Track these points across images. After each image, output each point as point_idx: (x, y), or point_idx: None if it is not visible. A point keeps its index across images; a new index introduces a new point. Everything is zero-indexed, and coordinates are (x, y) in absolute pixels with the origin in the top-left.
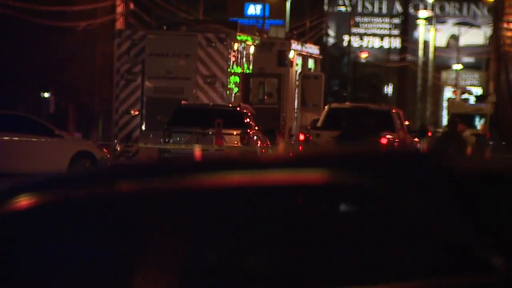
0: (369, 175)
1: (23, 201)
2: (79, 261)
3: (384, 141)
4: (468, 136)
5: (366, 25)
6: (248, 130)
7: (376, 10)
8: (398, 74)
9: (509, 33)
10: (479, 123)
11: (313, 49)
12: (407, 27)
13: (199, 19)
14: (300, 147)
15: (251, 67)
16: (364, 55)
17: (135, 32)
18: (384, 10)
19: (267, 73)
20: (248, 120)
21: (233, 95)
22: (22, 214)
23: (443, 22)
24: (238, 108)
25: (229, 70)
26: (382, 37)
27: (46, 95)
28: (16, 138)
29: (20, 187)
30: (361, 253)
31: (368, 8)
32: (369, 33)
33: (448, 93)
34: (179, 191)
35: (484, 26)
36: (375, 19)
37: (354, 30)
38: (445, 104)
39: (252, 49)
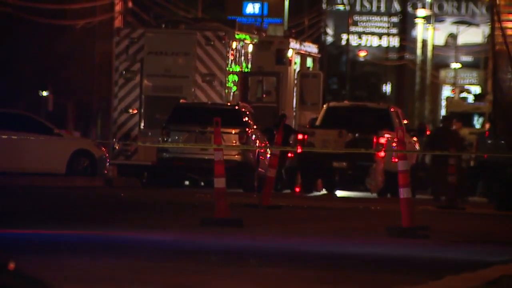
0: None
1: None
2: None
3: (382, 140)
4: (467, 135)
5: (364, 23)
6: (247, 129)
7: (374, 9)
8: (396, 73)
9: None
10: (477, 121)
11: (312, 48)
12: (405, 25)
13: (198, 18)
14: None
15: (249, 65)
16: (362, 54)
17: (133, 30)
18: (383, 8)
19: (265, 71)
20: (246, 118)
21: (231, 93)
22: None
23: (441, 20)
24: (236, 107)
25: (227, 68)
26: (380, 35)
27: (45, 93)
28: (15, 137)
29: None
30: None
31: (366, 7)
32: (367, 31)
33: (446, 91)
34: None
35: (483, 25)
36: (373, 18)
37: (352, 28)
38: (443, 102)
39: (250, 48)
